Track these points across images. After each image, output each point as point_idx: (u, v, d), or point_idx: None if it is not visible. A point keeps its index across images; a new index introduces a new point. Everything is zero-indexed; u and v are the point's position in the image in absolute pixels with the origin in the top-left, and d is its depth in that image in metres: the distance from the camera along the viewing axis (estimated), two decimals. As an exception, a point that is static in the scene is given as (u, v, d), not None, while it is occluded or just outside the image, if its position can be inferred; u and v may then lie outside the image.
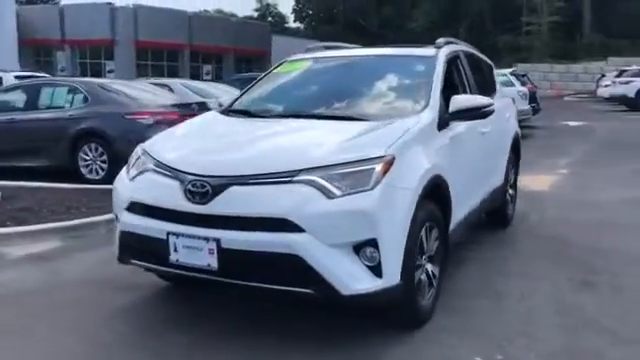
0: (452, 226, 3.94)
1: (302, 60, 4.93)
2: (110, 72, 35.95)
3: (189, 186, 3.21)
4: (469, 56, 5.23)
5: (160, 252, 3.29)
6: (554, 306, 3.90)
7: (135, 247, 3.49)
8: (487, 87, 5.53)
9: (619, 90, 24.34)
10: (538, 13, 44.29)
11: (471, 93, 4.71)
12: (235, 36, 42.85)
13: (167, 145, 3.75)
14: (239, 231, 3.08)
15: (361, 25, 51.81)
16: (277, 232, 3.03)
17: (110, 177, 8.41)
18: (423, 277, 3.53)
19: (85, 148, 8.49)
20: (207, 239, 3.13)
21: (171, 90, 10.93)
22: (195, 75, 37.57)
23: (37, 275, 4.67)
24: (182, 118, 8.73)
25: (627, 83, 23.96)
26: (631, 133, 15.84)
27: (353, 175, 3.12)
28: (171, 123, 8.48)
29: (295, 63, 4.94)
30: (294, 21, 70.22)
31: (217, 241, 3.10)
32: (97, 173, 8.48)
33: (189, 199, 3.20)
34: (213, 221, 3.13)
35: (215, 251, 3.11)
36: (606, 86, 27.48)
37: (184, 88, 11.05)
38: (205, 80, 30.13)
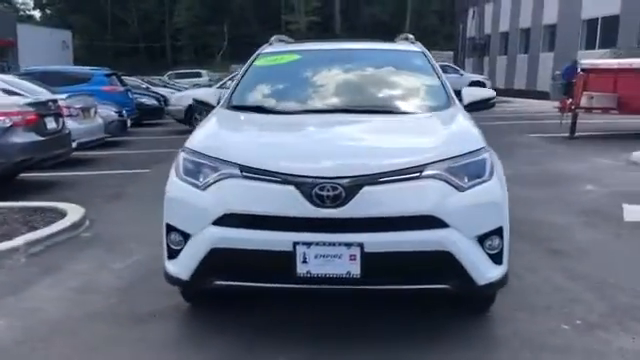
0: None
1: (285, 53, 4.72)
2: None
3: (316, 190, 2.93)
4: None
5: (281, 266, 2.95)
6: (560, 274, 4.42)
7: (233, 265, 3.05)
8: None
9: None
10: (296, 12, 47.03)
11: None
12: (-29, 24, 36.99)
13: (241, 147, 3.30)
14: (383, 233, 2.93)
15: (119, 17, 48.97)
16: (423, 230, 2.96)
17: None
18: None
19: None
20: (349, 245, 2.90)
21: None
22: None
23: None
24: (40, 118, 7.56)
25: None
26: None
27: (470, 166, 3.17)
28: (29, 124, 7.32)
29: (274, 56, 4.69)
30: (34, 8, 63.41)
31: (361, 246, 2.90)
32: None
33: (318, 204, 2.92)
34: (353, 225, 2.92)
35: (358, 257, 2.91)
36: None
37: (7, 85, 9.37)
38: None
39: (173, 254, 3.27)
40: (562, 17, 29.45)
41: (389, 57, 4.70)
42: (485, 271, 3.11)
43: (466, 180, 3.12)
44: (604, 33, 26.41)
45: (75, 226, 5.64)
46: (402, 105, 4.04)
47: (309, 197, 2.93)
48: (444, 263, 2.99)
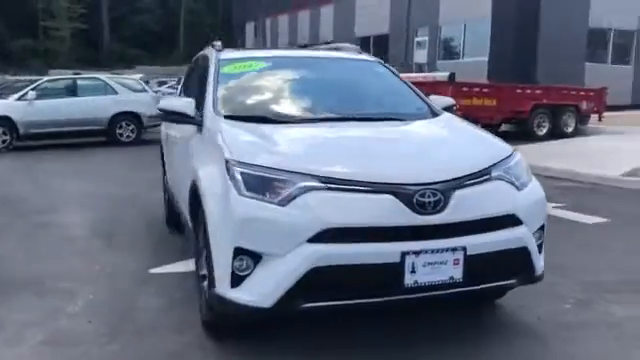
0: None
1: (252, 60, 4.42)
2: None
3: (417, 197, 2.86)
4: None
5: (387, 278, 2.84)
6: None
7: (333, 283, 2.81)
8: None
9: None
10: (57, 18, 43.05)
11: None
12: None
13: (310, 158, 3.05)
14: (480, 235, 2.99)
15: None
16: (508, 228, 3.09)
17: None
18: None
19: None
20: (454, 250, 2.90)
21: None
22: None
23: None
24: None
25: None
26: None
27: (515, 168, 3.36)
28: None
29: (240, 63, 4.35)
30: None
31: (464, 249, 2.92)
32: None
33: (419, 211, 2.86)
34: (454, 229, 2.93)
35: (461, 261, 2.92)
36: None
37: None
38: None
39: (239, 281, 2.89)
40: (338, 35, 31.90)
41: (357, 66, 4.64)
42: (539, 262, 3.36)
43: (517, 180, 3.32)
44: (376, 50, 29.33)
45: (-32, 269, 4.52)
46: (406, 112, 4.06)
47: (410, 204, 2.86)
48: (520, 258, 3.16)
